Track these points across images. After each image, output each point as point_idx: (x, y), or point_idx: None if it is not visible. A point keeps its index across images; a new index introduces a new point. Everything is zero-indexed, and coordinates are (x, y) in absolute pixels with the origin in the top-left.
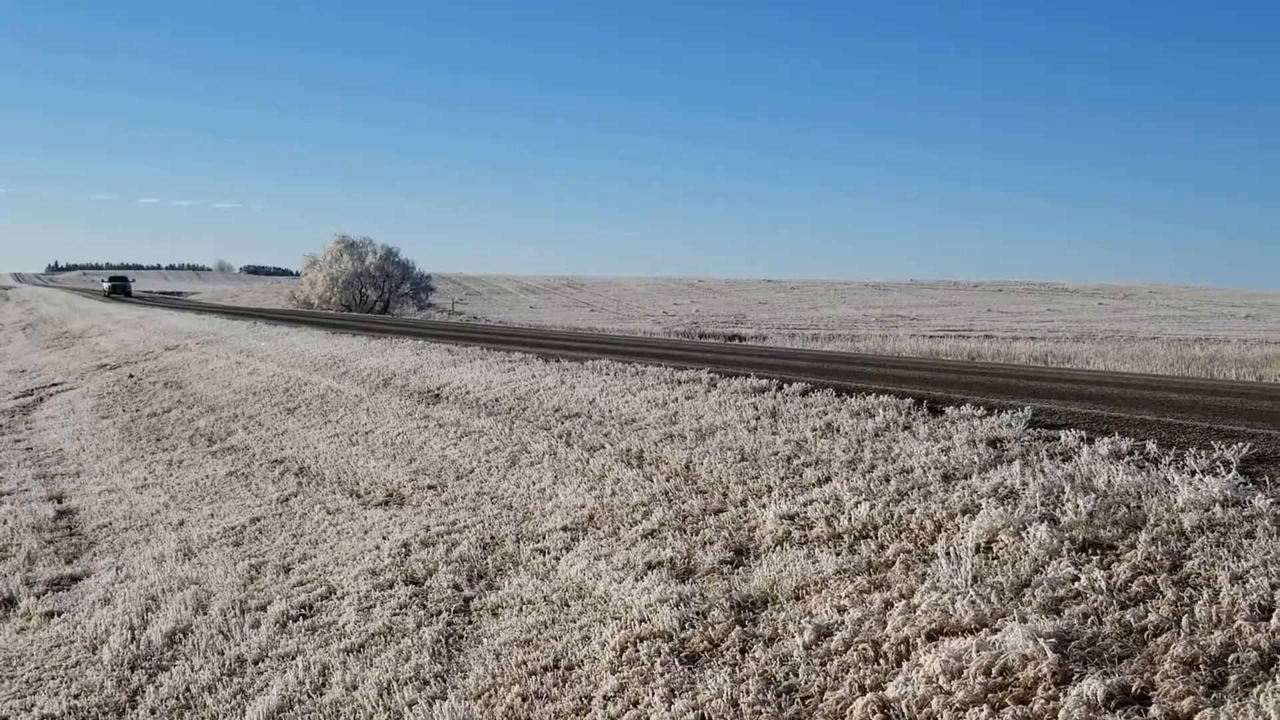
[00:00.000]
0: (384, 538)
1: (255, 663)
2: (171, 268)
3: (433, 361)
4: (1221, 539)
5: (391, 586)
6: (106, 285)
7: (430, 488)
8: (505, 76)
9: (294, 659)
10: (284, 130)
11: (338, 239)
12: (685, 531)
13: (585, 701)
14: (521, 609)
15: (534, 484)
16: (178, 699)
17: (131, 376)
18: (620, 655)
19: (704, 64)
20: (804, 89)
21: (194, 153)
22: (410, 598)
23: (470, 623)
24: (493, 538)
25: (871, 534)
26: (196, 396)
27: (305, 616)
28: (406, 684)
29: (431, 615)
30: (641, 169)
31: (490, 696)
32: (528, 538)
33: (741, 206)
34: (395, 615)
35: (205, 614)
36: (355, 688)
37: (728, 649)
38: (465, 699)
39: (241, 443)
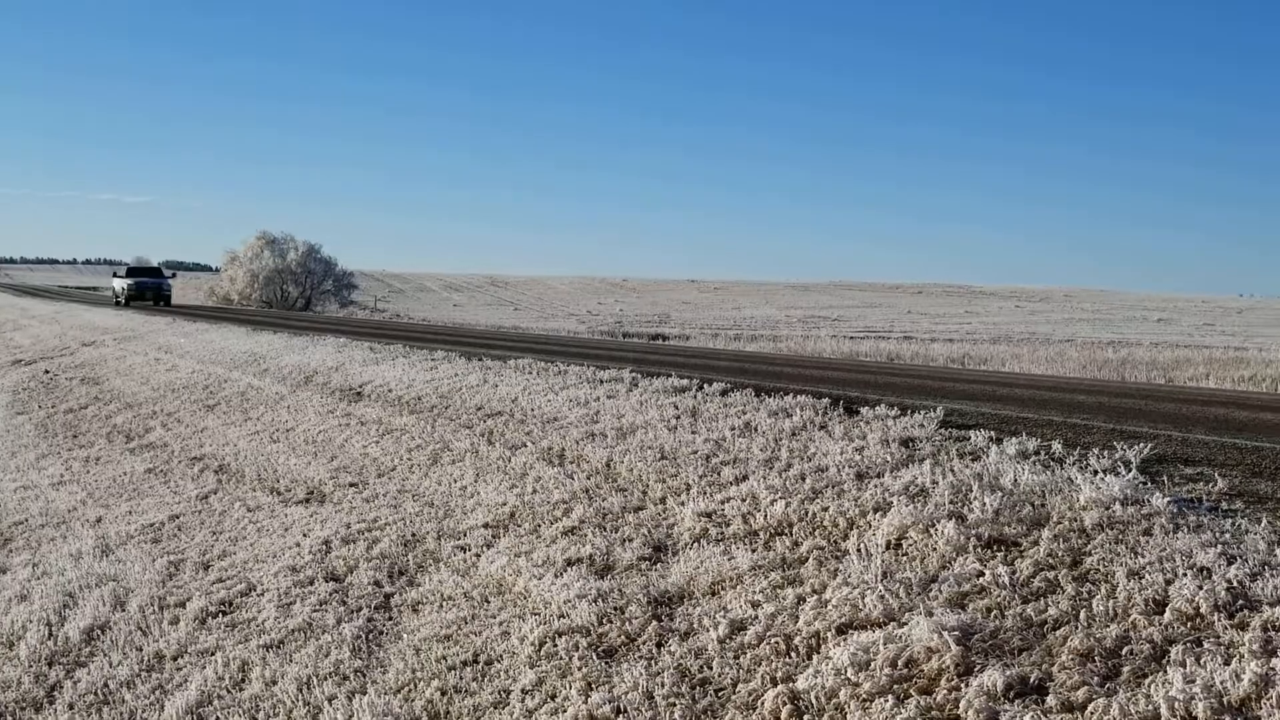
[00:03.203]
0: (305, 535)
1: (174, 659)
2: (87, 262)
3: (355, 359)
4: (1120, 536)
5: (312, 583)
6: (123, 285)
7: (352, 485)
8: (429, 76)
9: (213, 655)
10: (204, 124)
11: (258, 235)
12: (605, 529)
13: (504, 695)
14: (442, 605)
15: (455, 482)
16: (96, 694)
17: (47, 372)
18: (539, 650)
19: (626, 65)
20: (725, 90)
21: (111, 146)
22: (331, 594)
23: (391, 619)
24: (414, 535)
25: (786, 531)
26: (114, 393)
27: (225, 613)
28: (326, 679)
29: (352, 611)
30: (566, 168)
31: (410, 691)
32: (449, 535)
33: (666, 207)
34: (316, 611)
35: (124, 610)
36: (275, 683)
37: (644, 643)
38: (385, 693)
39: (160, 440)
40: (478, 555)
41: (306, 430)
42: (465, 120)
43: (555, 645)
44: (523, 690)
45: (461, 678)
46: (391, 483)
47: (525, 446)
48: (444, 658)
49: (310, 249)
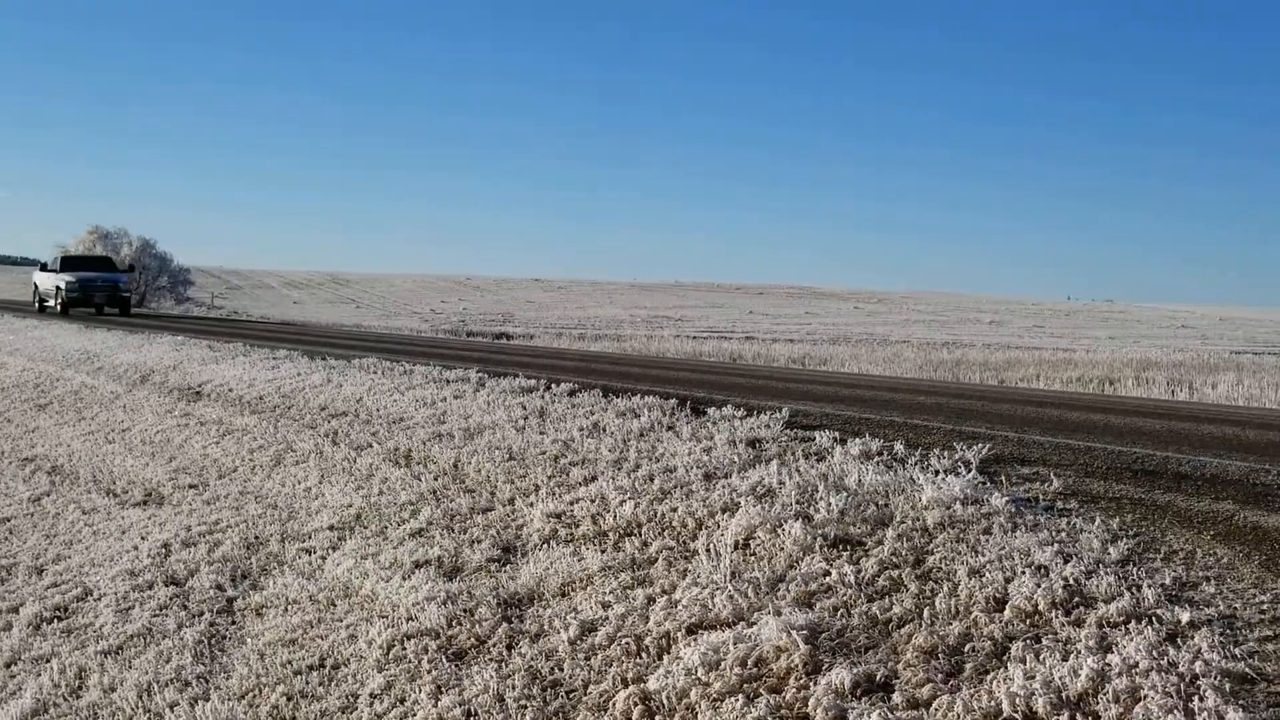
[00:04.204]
0: (143, 538)
1: (7, 666)
2: None
3: (193, 358)
4: (961, 535)
5: (151, 587)
6: (59, 283)
7: (191, 487)
8: (263, 79)
9: (49, 661)
10: (34, 112)
11: (90, 229)
12: (453, 530)
13: (352, 700)
14: (287, 609)
15: (299, 483)
16: None
17: None
18: (387, 653)
19: (461, 65)
20: (563, 88)
21: None
22: (171, 598)
23: (234, 623)
24: (257, 537)
25: (636, 532)
26: None
27: (60, 618)
28: (168, 685)
29: (193, 616)
30: (407, 166)
31: (254, 696)
32: (293, 537)
33: (510, 205)
34: (155, 616)
35: None
36: (114, 689)
37: (494, 646)
38: (229, 699)
39: None
40: (323, 558)
41: (144, 430)
42: (304, 122)
43: (404, 648)
44: (371, 694)
45: (308, 682)
46: (233, 484)
47: (371, 447)
48: (289, 662)
49: (145, 244)
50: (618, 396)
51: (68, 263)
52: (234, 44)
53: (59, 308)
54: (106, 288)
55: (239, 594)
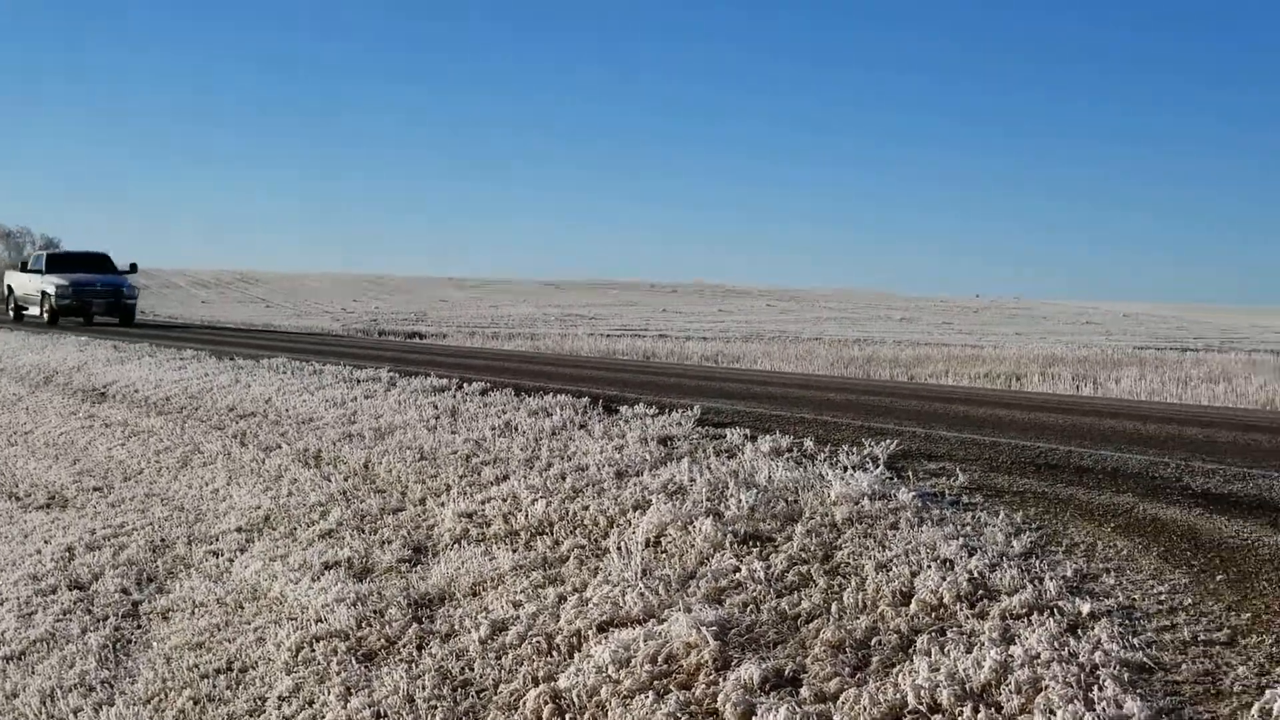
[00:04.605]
0: (46, 542)
1: None
2: None
3: (98, 358)
4: (869, 530)
5: (54, 592)
6: (48, 287)
7: (96, 489)
8: (171, 65)
9: None
10: None
11: None
12: (364, 531)
13: (260, 702)
14: (194, 612)
15: (207, 485)
16: None
17: None
18: (296, 656)
19: (377, 65)
20: (474, 87)
21: None
22: (75, 603)
23: (140, 627)
24: (163, 540)
25: (548, 530)
26: None
27: None
28: (71, 691)
29: (98, 620)
30: (318, 162)
31: (161, 701)
32: (200, 540)
33: (423, 203)
34: (59, 621)
35: None
36: (16, 696)
37: (405, 646)
38: (134, 704)
39: None
40: (231, 560)
41: (47, 433)
42: (208, 120)
43: (313, 650)
44: (279, 697)
45: (215, 686)
46: (139, 486)
47: (280, 448)
48: (196, 666)
49: (49, 243)
50: (530, 395)
51: (55, 261)
52: (140, 38)
53: (45, 316)
54: (107, 293)
55: (145, 598)
